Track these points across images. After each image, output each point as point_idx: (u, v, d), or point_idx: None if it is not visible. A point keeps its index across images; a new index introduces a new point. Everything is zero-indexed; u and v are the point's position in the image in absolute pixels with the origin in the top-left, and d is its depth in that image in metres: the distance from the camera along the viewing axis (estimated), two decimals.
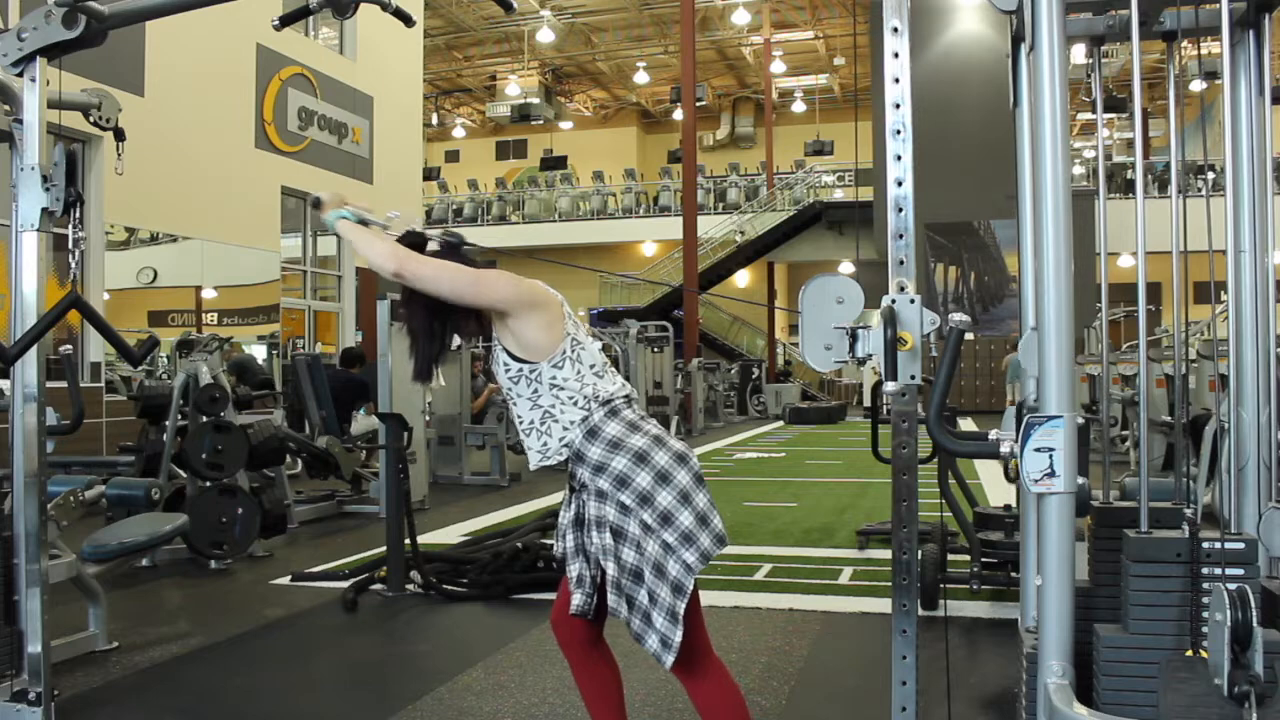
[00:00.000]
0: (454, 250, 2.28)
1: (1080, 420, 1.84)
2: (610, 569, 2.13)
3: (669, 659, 2.08)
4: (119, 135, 3.92)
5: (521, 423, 2.23)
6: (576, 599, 2.20)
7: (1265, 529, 2.01)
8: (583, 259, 25.68)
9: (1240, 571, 1.82)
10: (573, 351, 2.18)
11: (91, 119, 3.77)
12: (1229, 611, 1.59)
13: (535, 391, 2.19)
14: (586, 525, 2.19)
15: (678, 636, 2.07)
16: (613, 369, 2.29)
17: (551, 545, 5.22)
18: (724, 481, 9.36)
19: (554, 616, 2.36)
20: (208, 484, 5.54)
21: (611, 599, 2.15)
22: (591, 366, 2.20)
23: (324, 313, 14.15)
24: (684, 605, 2.08)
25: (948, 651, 3.19)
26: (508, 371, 2.21)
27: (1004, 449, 1.83)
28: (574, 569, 2.21)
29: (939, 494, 4.08)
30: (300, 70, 12.95)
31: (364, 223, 2.37)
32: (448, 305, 2.21)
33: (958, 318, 1.87)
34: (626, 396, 2.23)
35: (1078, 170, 21.89)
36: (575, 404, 2.17)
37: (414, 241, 2.28)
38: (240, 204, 11.84)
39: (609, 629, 2.33)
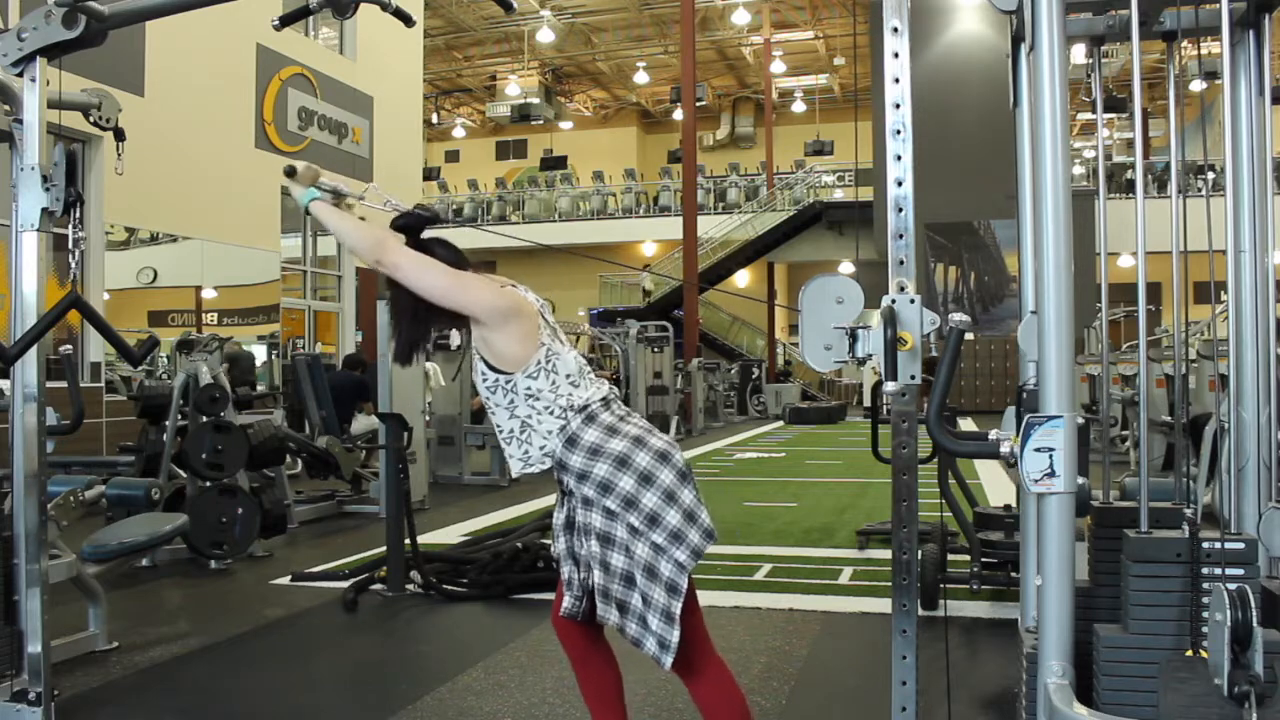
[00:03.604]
0: (446, 246, 2.27)
1: (1080, 420, 1.84)
2: (598, 576, 2.13)
3: (667, 660, 2.08)
4: (119, 135, 3.91)
5: (501, 431, 2.22)
6: (566, 602, 2.22)
7: (1265, 529, 2.01)
8: (581, 260, 25.69)
9: (1240, 571, 1.82)
10: (547, 362, 2.17)
11: (91, 119, 3.77)
12: (1229, 611, 1.59)
13: (511, 401, 2.18)
14: (576, 530, 2.19)
15: (674, 637, 2.06)
16: (591, 374, 2.26)
17: (551, 545, 5.23)
18: (724, 481, 9.36)
19: (554, 615, 2.36)
20: (208, 484, 5.54)
21: (600, 607, 2.15)
22: (568, 376, 2.18)
23: (324, 313, 14.16)
24: (679, 605, 2.07)
25: (948, 651, 3.19)
26: (484, 381, 2.21)
27: (1004, 449, 1.83)
28: (565, 572, 2.23)
29: (939, 494, 4.08)
30: (300, 70, 12.95)
31: (338, 194, 2.35)
32: None
33: (958, 318, 1.87)
34: (604, 399, 2.21)
35: (1078, 170, 21.89)
36: (551, 414, 2.16)
37: (409, 224, 2.27)
38: (240, 204, 11.84)
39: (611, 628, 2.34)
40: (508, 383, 2.17)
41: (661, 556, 2.09)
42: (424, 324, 2.27)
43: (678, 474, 2.15)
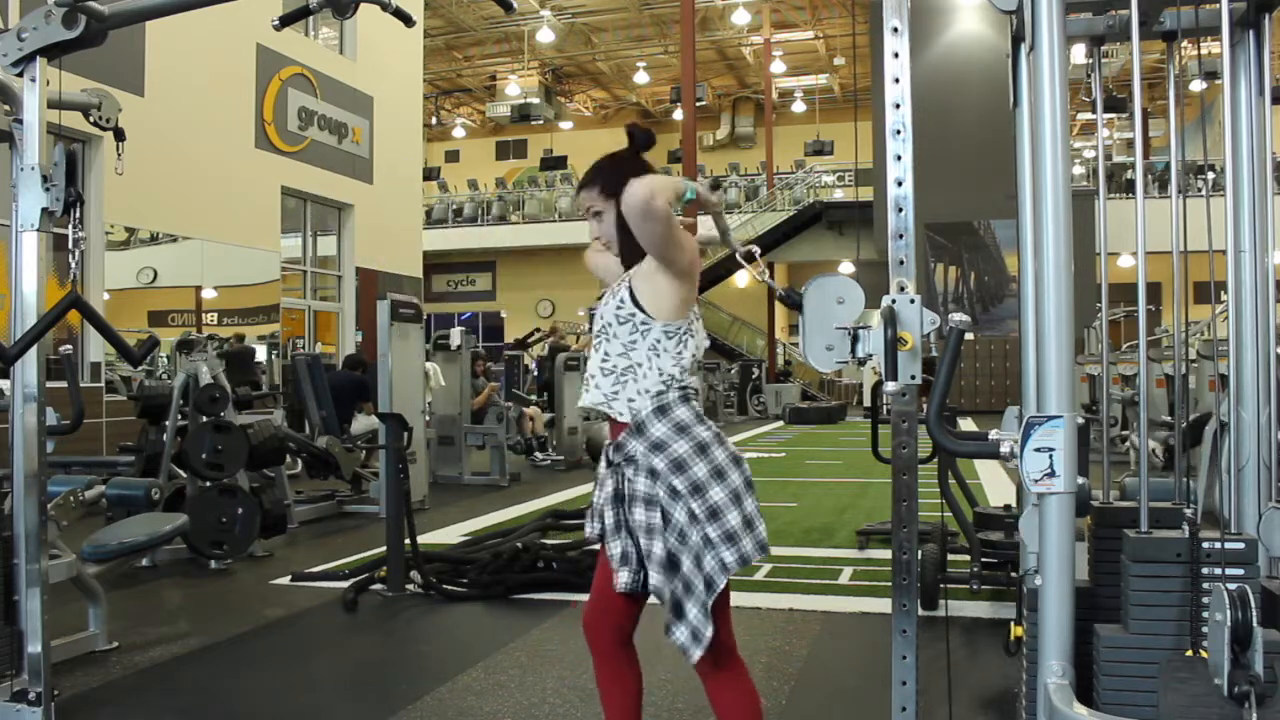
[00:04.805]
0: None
1: (1080, 420, 1.84)
2: (656, 548, 2.09)
3: (697, 652, 2.06)
4: (119, 135, 3.92)
5: (607, 361, 2.17)
6: (623, 576, 2.15)
7: (1265, 529, 2.01)
8: (582, 259, 25.67)
9: (1240, 571, 1.82)
10: (686, 332, 2.18)
11: (91, 119, 3.77)
12: (1229, 611, 1.59)
13: (634, 342, 2.15)
14: (628, 501, 2.14)
15: (709, 631, 2.05)
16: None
17: (552, 545, 5.23)
18: None
19: (586, 618, 2.31)
20: (208, 484, 5.54)
21: (655, 579, 2.10)
22: (692, 355, 2.19)
23: (324, 313, 14.16)
24: (713, 601, 2.07)
25: (948, 651, 3.19)
26: (621, 308, 2.15)
27: (1004, 449, 1.83)
28: (616, 547, 2.16)
29: (939, 494, 4.08)
30: (300, 70, 12.95)
31: (723, 234, 2.38)
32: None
33: (958, 318, 1.87)
34: (696, 390, 2.23)
35: (1078, 170, 21.89)
36: (660, 374, 2.14)
37: (642, 144, 2.27)
38: (240, 204, 11.85)
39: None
40: (644, 324, 2.14)
41: (709, 550, 2.08)
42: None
43: (745, 480, 2.16)
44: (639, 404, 2.14)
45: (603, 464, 2.25)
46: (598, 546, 2.25)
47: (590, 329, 2.28)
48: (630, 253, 2.20)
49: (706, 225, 2.51)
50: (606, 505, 2.19)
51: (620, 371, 2.16)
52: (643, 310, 2.15)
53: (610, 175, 2.24)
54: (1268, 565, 2.02)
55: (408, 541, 4.75)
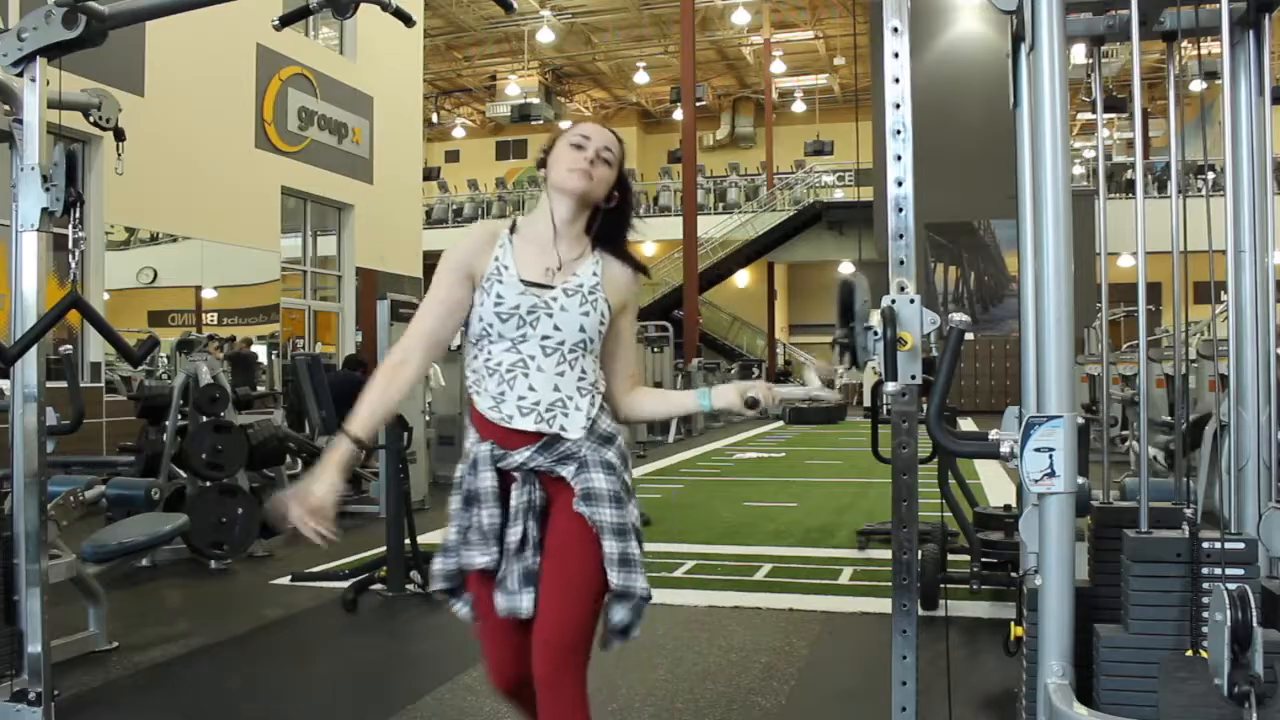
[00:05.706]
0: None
1: (1080, 420, 1.84)
2: (634, 550, 1.97)
3: (634, 631, 2.00)
4: (119, 135, 3.91)
5: (584, 378, 2.01)
6: (526, 600, 1.93)
7: (1265, 529, 2.01)
8: None
9: (1240, 571, 1.82)
10: None
11: (91, 119, 3.77)
12: (1229, 611, 1.59)
13: (597, 354, 2.08)
14: (594, 500, 1.96)
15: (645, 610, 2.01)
16: None
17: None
18: (724, 481, 9.35)
19: (499, 668, 2.03)
20: (208, 484, 5.54)
21: (642, 582, 1.98)
22: None
23: (324, 313, 14.16)
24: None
25: (948, 651, 3.19)
26: (602, 324, 2.04)
27: (1004, 449, 1.83)
28: (517, 566, 1.94)
29: (939, 494, 4.07)
30: (300, 70, 12.95)
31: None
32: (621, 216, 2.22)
33: (958, 318, 1.87)
34: None
35: (1078, 170, 21.88)
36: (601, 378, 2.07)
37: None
38: (240, 204, 11.85)
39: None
40: (605, 335, 2.08)
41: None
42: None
43: None
44: (597, 407, 2.03)
45: (490, 476, 1.97)
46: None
47: (524, 344, 2.12)
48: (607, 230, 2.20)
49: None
50: (515, 520, 1.95)
51: (593, 384, 2.03)
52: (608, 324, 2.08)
53: (627, 184, 2.26)
54: (1268, 565, 2.02)
55: (408, 541, 4.74)
